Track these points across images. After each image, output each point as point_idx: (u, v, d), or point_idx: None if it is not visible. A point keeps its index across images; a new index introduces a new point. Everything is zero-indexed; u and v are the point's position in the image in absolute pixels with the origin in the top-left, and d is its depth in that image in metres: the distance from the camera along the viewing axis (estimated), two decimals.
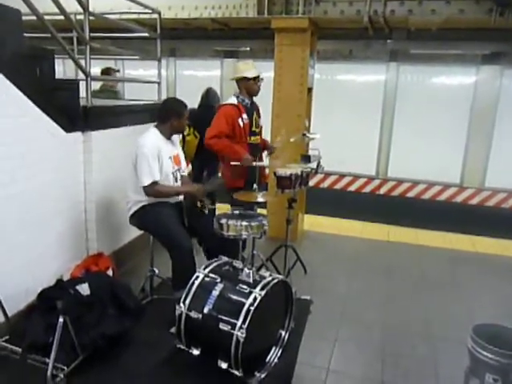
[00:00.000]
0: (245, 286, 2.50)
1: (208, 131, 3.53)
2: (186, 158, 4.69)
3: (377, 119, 8.05)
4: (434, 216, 6.84)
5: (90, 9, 3.59)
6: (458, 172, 7.82)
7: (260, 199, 3.06)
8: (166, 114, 3.19)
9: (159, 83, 4.73)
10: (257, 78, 3.59)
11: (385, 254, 4.77)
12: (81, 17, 3.46)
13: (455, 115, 7.58)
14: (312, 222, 5.55)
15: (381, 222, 5.79)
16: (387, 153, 8.16)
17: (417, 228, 5.58)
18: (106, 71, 5.55)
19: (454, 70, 7.46)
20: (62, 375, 2.38)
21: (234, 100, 3.60)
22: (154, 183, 3.04)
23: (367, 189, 8.28)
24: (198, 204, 3.26)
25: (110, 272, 3.29)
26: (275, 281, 2.58)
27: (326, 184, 8.48)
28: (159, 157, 3.09)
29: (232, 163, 3.40)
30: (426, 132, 7.71)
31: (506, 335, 2.42)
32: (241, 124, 3.55)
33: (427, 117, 7.66)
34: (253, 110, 3.69)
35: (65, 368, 2.42)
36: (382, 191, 8.20)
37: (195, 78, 8.97)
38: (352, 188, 8.38)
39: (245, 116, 3.58)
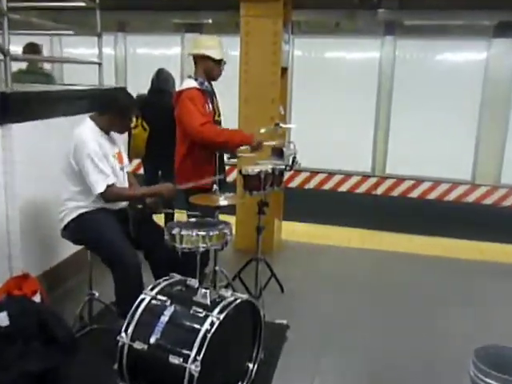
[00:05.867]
0: (200, 309, 2.50)
1: (192, 120, 3.40)
2: (134, 155, 4.73)
3: (371, 104, 8.14)
4: (442, 219, 6.96)
5: None
6: (469, 167, 7.98)
7: (222, 203, 3.09)
8: (107, 106, 3.19)
9: (100, 64, 4.71)
10: (221, 61, 3.60)
11: (376, 266, 4.85)
12: None
13: (464, 98, 7.70)
14: (292, 231, 5.58)
15: (377, 228, 5.87)
16: (385, 145, 8.26)
17: (414, 234, 5.68)
18: (31, 48, 5.09)
19: (462, 44, 7.59)
20: None
21: (193, 83, 3.55)
22: (110, 186, 3.05)
23: (361, 189, 8.39)
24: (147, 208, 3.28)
25: (37, 297, 3.25)
26: (238, 301, 2.60)
27: (311, 184, 8.56)
28: (106, 156, 3.11)
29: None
30: (431, 119, 7.82)
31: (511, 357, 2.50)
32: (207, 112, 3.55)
33: (431, 100, 7.77)
34: (213, 94, 3.71)
35: None
36: (379, 191, 8.31)
37: (150, 56, 8.98)
38: (343, 188, 8.48)
39: (209, 102, 3.58)
